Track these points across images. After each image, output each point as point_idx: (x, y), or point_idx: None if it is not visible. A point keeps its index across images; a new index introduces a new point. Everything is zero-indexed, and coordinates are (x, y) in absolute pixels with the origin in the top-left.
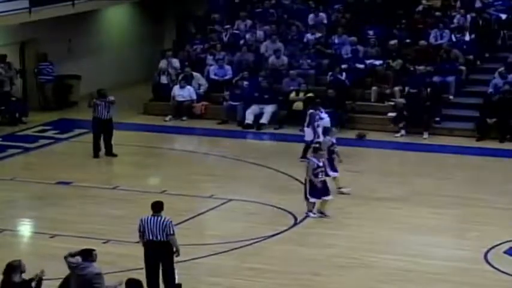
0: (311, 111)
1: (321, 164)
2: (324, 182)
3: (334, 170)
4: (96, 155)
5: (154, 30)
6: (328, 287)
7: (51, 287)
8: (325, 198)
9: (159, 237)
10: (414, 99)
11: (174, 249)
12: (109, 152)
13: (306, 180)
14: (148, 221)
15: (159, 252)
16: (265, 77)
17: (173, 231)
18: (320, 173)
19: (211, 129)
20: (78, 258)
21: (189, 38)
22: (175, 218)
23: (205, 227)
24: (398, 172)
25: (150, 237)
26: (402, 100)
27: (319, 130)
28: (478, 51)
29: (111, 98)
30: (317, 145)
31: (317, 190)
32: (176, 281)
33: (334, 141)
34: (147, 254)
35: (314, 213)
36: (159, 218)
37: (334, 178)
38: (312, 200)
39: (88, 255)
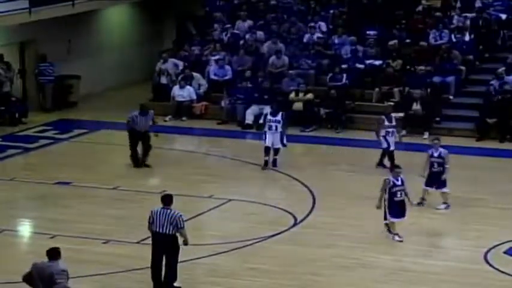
0: (381, 116)
1: (398, 182)
2: (402, 202)
3: (441, 184)
4: (136, 164)
5: (154, 30)
6: (328, 287)
7: None
8: (401, 220)
9: (165, 230)
10: (414, 99)
11: (183, 240)
12: (143, 162)
13: (384, 199)
14: (158, 213)
15: (165, 245)
16: (264, 77)
17: (183, 225)
18: (398, 192)
19: (211, 130)
20: (44, 261)
21: (189, 38)
22: None
23: (205, 227)
24: None
25: (158, 229)
26: (419, 107)
27: (390, 138)
28: (477, 51)
29: (154, 117)
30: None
31: (396, 209)
32: (177, 279)
33: (435, 153)
34: (154, 245)
35: (400, 237)
36: (169, 211)
37: (443, 193)
38: (392, 220)
39: (55, 253)
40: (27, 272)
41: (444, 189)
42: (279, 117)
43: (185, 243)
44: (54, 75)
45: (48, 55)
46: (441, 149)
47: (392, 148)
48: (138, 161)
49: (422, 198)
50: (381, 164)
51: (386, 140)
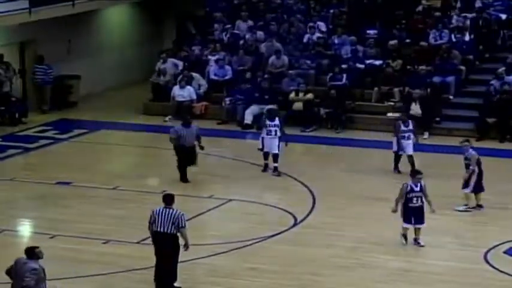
0: (397, 121)
1: (416, 188)
2: (418, 209)
3: (463, 185)
4: (184, 179)
5: (154, 30)
6: (328, 287)
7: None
8: (418, 226)
9: (167, 229)
10: (413, 99)
11: (184, 242)
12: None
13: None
14: (160, 212)
15: (166, 244)
16: (263, 77)
17: (185, 224)
18: (414, 198)
19: (211, 130)
20: (23, 257)
21: (189, 38)
22: None
23: (205, 227)
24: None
25: (159, 228)
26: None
27: (404, 141)
28: (477, 51)
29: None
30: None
31: (409, 215)
32: (177, 279)
33: (466, 153)
34: (156, 245)
35: (406, 239)
36: (171, 211)
37: (465, 194)
38: (405, 225)
39: (31, 253)
40: (10, 266)
41: (464, 190)
42: (277, 122)
43: (186, 247)
44: (52, 77)
45: (48, 55)
46: (470, 150)
47: (401, 152)
48: (186, 176)
49: (466, 205)
50: (395, 167)
51: (400, 143)
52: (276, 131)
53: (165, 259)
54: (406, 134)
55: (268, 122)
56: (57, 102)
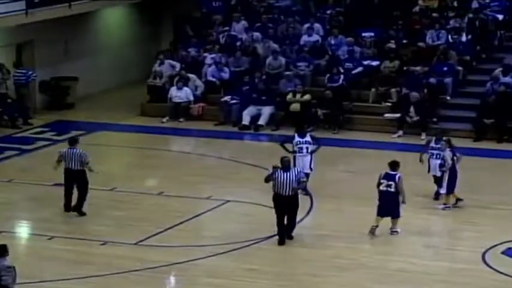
0: (430, 137)
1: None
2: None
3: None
4: (281, 241)
5: (152, 32)
6: (326, 287)
7: None
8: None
9: (75, 166)
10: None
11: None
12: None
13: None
14: (68, 153)
15: (75, 177)
16: (260, 78)
17: (88, 160)
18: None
19: (209, 131)
20: None
21: (186, 39)
22: (173, 219)
23: (203, 228)
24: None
25: (70, 165)
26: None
27: (432, 161)
28: (474, 52)
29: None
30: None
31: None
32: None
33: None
34: (66, 179)
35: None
36: (76, 150)
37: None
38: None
39: (2, 252)
40: None
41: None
42: (308, 138)
43: (90, 170)
44: (34, 80)
45: (45, 56)
46: (447, 151)
47: (432, 173)
48: (284, 237)
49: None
50: (436, 193)
51: (429, 163)
52: (307, 148)
53: (80, 189)
54: (435, 152)
55: (298, 139)
56: (53, 103)
